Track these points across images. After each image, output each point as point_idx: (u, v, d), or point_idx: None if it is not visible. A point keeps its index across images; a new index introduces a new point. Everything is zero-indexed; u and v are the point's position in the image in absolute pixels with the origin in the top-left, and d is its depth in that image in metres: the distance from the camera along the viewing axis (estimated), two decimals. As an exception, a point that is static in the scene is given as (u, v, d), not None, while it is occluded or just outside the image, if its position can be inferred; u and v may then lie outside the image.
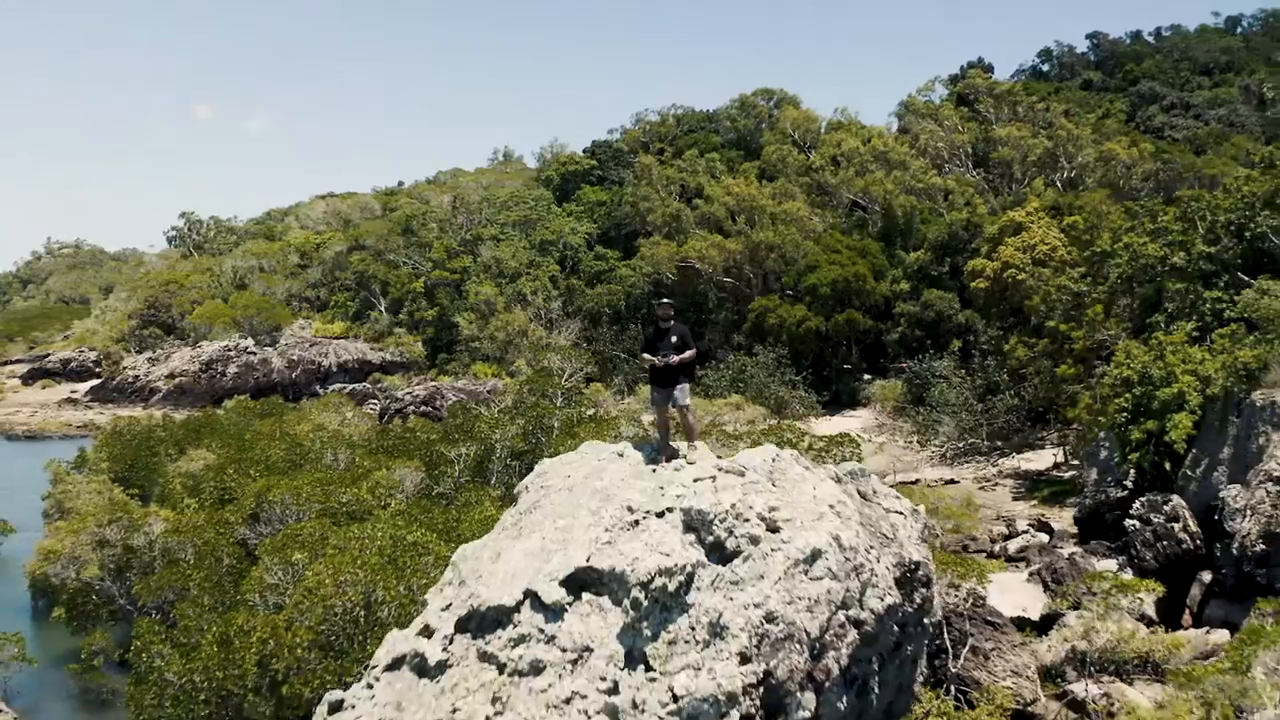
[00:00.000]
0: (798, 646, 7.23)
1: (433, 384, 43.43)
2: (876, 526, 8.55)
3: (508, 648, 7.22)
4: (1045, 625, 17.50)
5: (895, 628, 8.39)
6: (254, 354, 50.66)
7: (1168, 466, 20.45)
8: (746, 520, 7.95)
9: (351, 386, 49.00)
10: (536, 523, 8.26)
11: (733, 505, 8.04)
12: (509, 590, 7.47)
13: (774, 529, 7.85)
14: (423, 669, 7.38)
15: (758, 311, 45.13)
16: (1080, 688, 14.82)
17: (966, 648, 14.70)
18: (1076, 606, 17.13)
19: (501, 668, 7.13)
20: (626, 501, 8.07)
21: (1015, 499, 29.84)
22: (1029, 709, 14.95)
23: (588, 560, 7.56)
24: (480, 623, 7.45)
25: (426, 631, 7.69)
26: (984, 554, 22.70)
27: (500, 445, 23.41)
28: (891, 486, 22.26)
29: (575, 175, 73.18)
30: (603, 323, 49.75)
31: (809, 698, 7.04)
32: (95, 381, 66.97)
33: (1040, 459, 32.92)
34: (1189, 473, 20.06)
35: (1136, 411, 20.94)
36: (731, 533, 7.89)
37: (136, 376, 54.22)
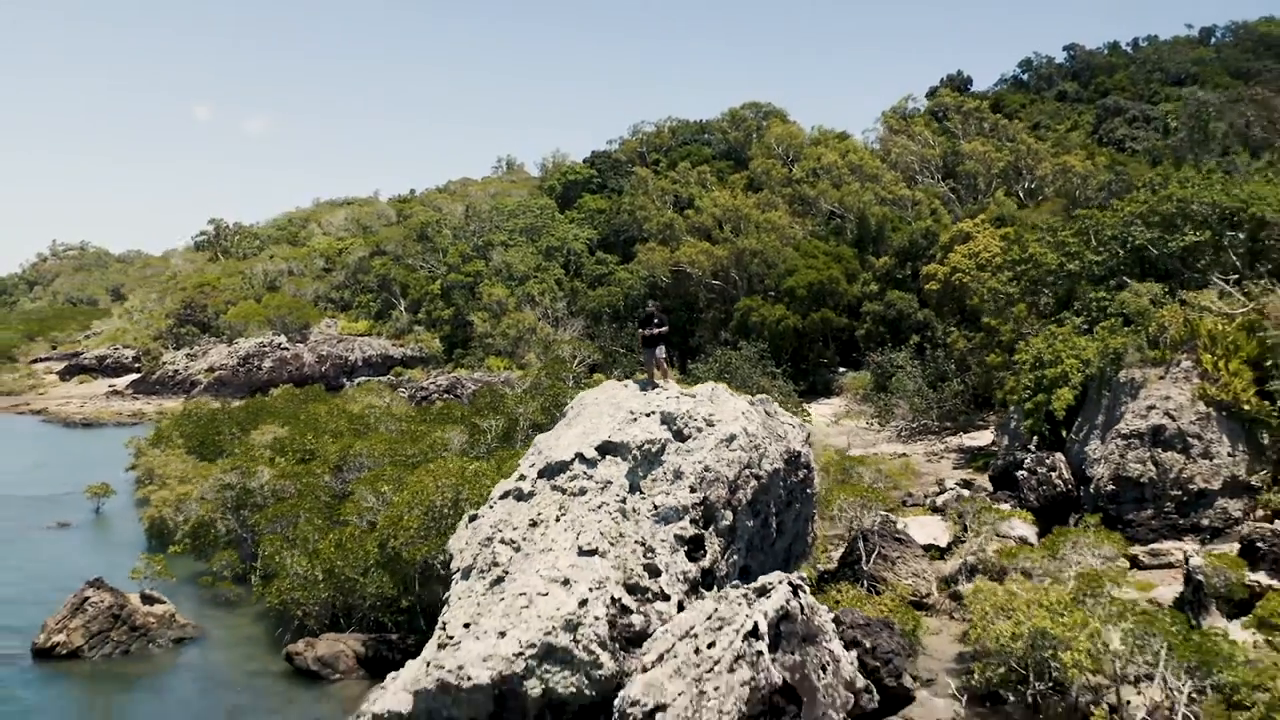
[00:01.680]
0: (721, 485, 12.43)
1: (453, 375, 48.61)
2: (772, 429, 13.88)
3: (566, 482, 12.61)
4: (950, 549, 22.87)
5: (783, 490, 13.73)
6: (287, 349, 55.95)
7: (1061, 432, 25.79)
8: (694, 418, 13.31)
9: (376, 379, 54.38)
10: (580, 420, 13.76)
11: (687, 410, 13.45)
12: (566, 453, 12.87)
13: (710, 424, 13.08)
14: (519, 495, 12.57)
15: (742, 311, 50.40)
16: (964, 587, 20.19)
17: (875, 554, 19.99)
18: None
19: (563, 492, 12.40)
20: (630, 408, 13.64)
21: (955, 469, 35.13)
22: (924, 600, 20.28)
23: (609, 437, 13.10)
24: (550, 470, 12.86)
25: (520, 478, 12.89)
26: (918, 506, 28.02)
27: (523, 418, 28.72)
28: (848, 458, 27.62)
29: (576, 184, 78.46)
30: (604, 321, 55.00)
31: (728, 514, 12.35)
32: (132, 376, 72.36)
33: (982, 438, 38.14)
34: (1073, 436, 25.34)
35: (1035, 389, 26.28)
36: (686, 424, 13.29)
37: (176, 371, 59.45)
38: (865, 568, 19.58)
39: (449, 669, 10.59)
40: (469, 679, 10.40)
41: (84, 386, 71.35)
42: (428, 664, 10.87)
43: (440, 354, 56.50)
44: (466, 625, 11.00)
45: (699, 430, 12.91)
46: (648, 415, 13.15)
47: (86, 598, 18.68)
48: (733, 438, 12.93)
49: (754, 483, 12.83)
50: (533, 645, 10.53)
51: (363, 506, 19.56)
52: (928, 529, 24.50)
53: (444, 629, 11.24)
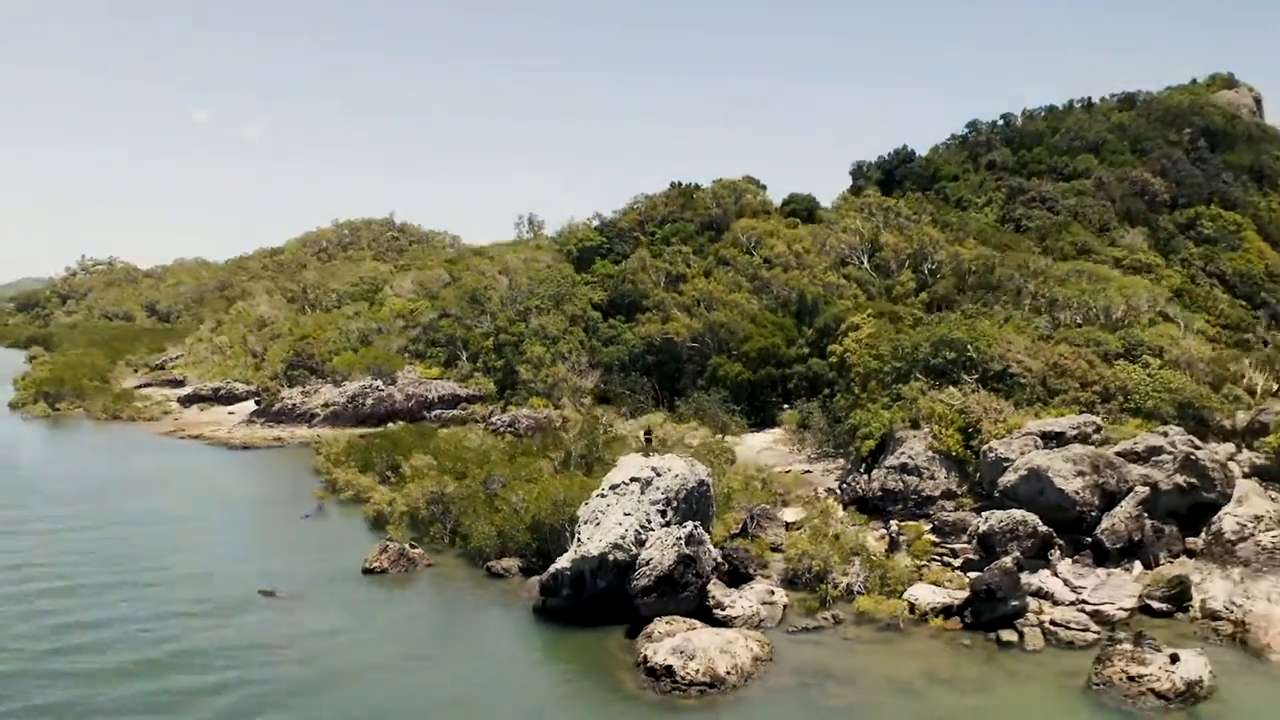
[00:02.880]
0: (671, 501, 34.24)
1: (513, 414, 70.76)
2: (693, 471, 35.90)
3: (618, 491, 34.12)
4: (799, 524, 45.18)
5: (696, 494, 35.73)
6: (382, 390, 78.27)
7: (872, 460, 48.03)
8: (658, 473, 34.74)
9: (450, 413, 76.76)
10: (620, 469, 35.45)
11: (658, 464, 35.13)
12: (616, 480, 34.41)
13: (669, 469, 34.97)
14: (601, 494, 34.11)
15: (712, 366, 72.63)
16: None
17: (756, 524, 42.18)
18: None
19: (617, 494, 33.88)
20: (640, 464, 35.26)
21: (835, 481, 57.54)
22: (778, 546, 42.42)
23: (632, 475, 34.59)
24: (612, 487, 34.34)
25: (600, 491, 34.83)
26: (801, 502, 50.22)
27: (574, 451, 50.96)
28: (753, 473, 50.10)
29: (589, 250, 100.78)
30: (614, 370, 77.36)
31: (675, 502, 34.29)
32: (241, 404, 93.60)
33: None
34: (879, 465, 47.57)
35: (863, 437, 48.61)
36: (658, 470, 34.88)
37: (294, 404, 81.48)
38: (750, 531, 41.85)
39: (581, 552, 32.73)
40: (589, 553, 32.46)
41: (207, 414, 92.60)
42: (573, 552, 33.07)
43: (494, 394, 78.90)
44: (585, 539, 33.17)
45: (663, 473, 35.04)
46: (645, 468, 35.25)
47: (386, 545, 40.95)
48: (676, 474, 35.01)
49: (684, 491, 35.09)
50: (609, 544, 32.56)
51: (512, 499, 41.76)
52: (793, 513, 46.80)
53: (577, 541, 33.37)
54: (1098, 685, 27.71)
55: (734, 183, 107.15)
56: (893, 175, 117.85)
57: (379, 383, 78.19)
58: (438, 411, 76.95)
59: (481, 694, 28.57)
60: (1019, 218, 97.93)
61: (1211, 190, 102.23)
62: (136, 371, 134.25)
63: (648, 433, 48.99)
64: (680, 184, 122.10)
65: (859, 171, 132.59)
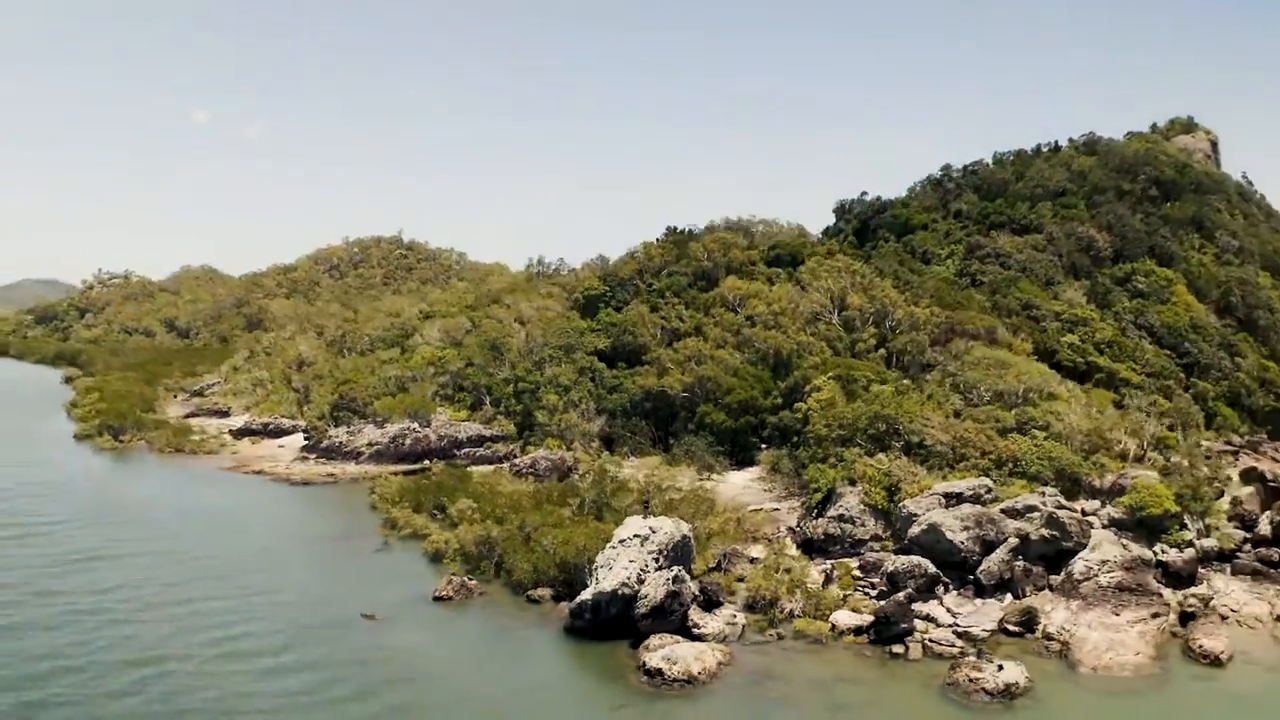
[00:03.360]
0: (663, 551, 47.87)
1: (533, 456, 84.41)
2: (678, 527, 49.58)
3: (623, 543, 47.79)
4: (760, 560, 58.95)
5: (682, 546, 49.32)
6: (419, 431, 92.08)
7: (820, 510, 61.76)
8: (653, 531, 48.49)
9: (478, 451, 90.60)
10: (626, 526, 49.18)
11: (653, 524, 48.84)
12: (623, 534, 48.18)
13: (661, 527, 48.59)
14: (612, 545, 47.82)
15: (701, 414, 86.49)
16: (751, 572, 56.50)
17: (727, 561, 55.81)
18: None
19: (624, 544, 47.52)
20: (640, 524, 48.98)
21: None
22: (744, 579, 56.05)
23: (634, 532, 48.27)
24: (620, 540, 47.94)
25: (612, 543, 48.51)
26: (765, 539, 63.98)
27: (588, 497, 64.71)
28: (742, 512, 64.21)
29: (594, 298, 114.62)
30: (618, 416, 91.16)
31: (666, 551, 47.91)
32: (287, 438, 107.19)
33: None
34: (824, 514, 61.28)
35: (814, 491, 62.36)
36: (653, 528, 48.51)
37: (341, 442, 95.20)
38: (723, 566, 55.60)
39: (599, 589, 46.46)
40: (605, 589, 46.15)
41: (259, 447, 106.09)
42: (593, 588, 46.80)
43: (514, 434, 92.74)
44: (601, 579, 46.87)
45: (657, 530, 48.75)
46: (644, 527, 48.92)
47: (450, 578, 54.75)
48: (665, 532, 48.72)
49: (669, 547, 48.81)
50: (619, 583, 46.22)
51: (544, 543, 55.53)
52: (758, 550, 60.58)
53: (595, 580, 47.05)
54: (948, 685, 41.60)
55: (723, 236, 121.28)
56: (868, 225, 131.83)
57: (416, 425, 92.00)
58: (467, 450, 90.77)
59: (530, 688, 42.45)
60: (975, 272, 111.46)
61: (1151, 245, 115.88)
62: (176, 397, 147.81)
63: (646, 503, 62.06)
64: (676, 229, 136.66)
65: (841, 210, 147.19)
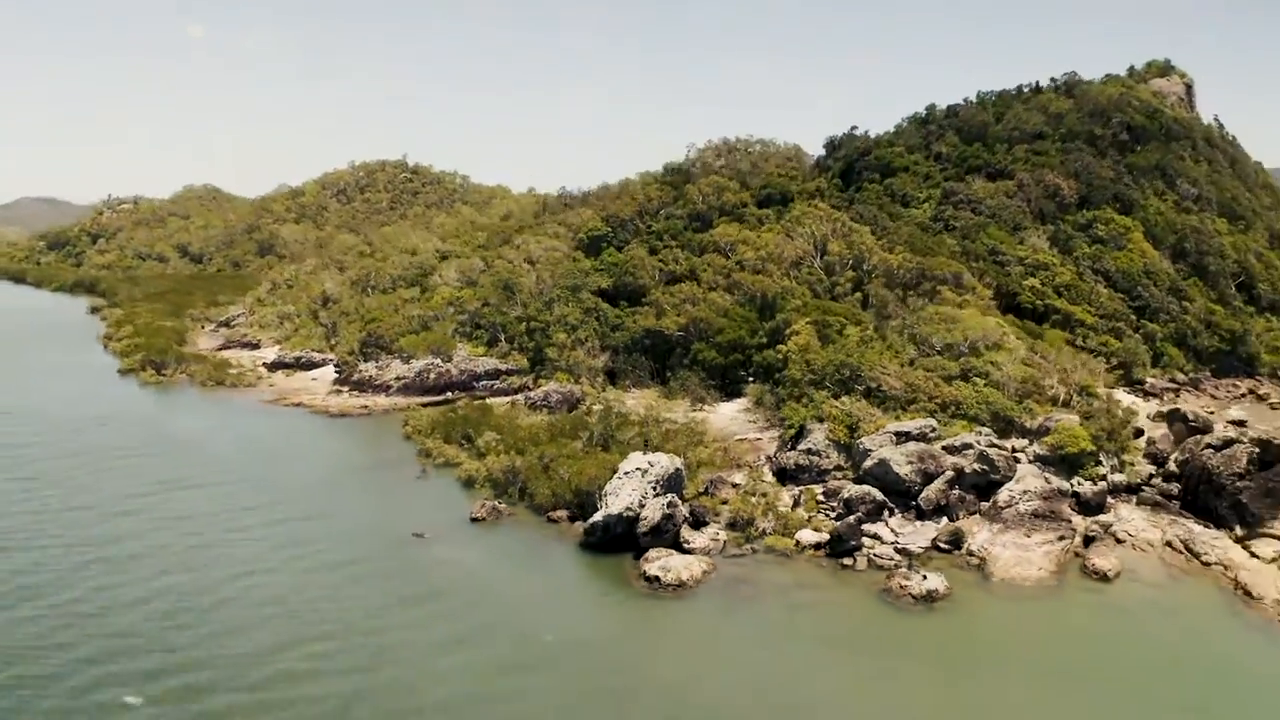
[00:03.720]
0: (660, 481, 58.79)
1: (545, 389, 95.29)
2: (672, 461, 60.55)
3: (627, 475, 58.68)
4: (742, 485, 70.17)
5: (675, 476, 60.30)
6: (441, 366, 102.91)
7: (794, 444, 72.81)
8: (651, 465, 59.37)
9: (495, 383, 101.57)
10: (628, 462, 60.13)
11: (652, 458, 59.80)
12: (628, 468, 59.18)
13: (653, 465, 59.48)
14: (617, 475, 58.85)
15: (694, 351, 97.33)
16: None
17: (713, 486, 66.93)
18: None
19: (627, 475, 58.48)
20: (641, 459, 59.99)
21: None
22: (727, 502, 67.30)
23: (635, 466, 59.26)
24: (625, 472, 58.88)
25: (620, 472, 59.55)
26: (748, 466, 75.08)
27: (596, 431, 75.69)
28: (729, 442, 75.56)
29: (597, 238, 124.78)
30: (620, 352, 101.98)
31: (664, 480, 58.89)
32: (323, 370, 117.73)
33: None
34: (796, 447, 72.29)
35: (788, 427, 73.33)
36: (653, 462, 59.42)
37: (371, 376, 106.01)
38: (709, 490, 66.74)
39: (607, 512, 57.56)
40: (612, 512, 57.17)
41: (293, 380, 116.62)
42: (603, 511, 57.89)
43: (527, 368, 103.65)
44: (610, 503, 57.95)
45: (655, 464, 59.66)
46: (644, 462, 59.90)
47: (484, 503, 65.92)
48: (661, 465, 59.63)
49: (666, 475, 59.80)
50: (624, 507, 57.20)
51: (560, 472, 66.67)
52: (740, 477, 71.71)
53: (605, 504, 58.10)
54: (884, 591, 52.99)
55: (717, 179, 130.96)
56: (853, 166, 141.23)
57: (438, 360, 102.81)
58: (485, 383, 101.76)
59: (553, 590, 53.90)
60: (948, 218, 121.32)
61: (1114, 192, 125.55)
62: (203, 328, 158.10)
63: (646, 441, 72.58)
64: (676, 167, 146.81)
65: (831, 146, 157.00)
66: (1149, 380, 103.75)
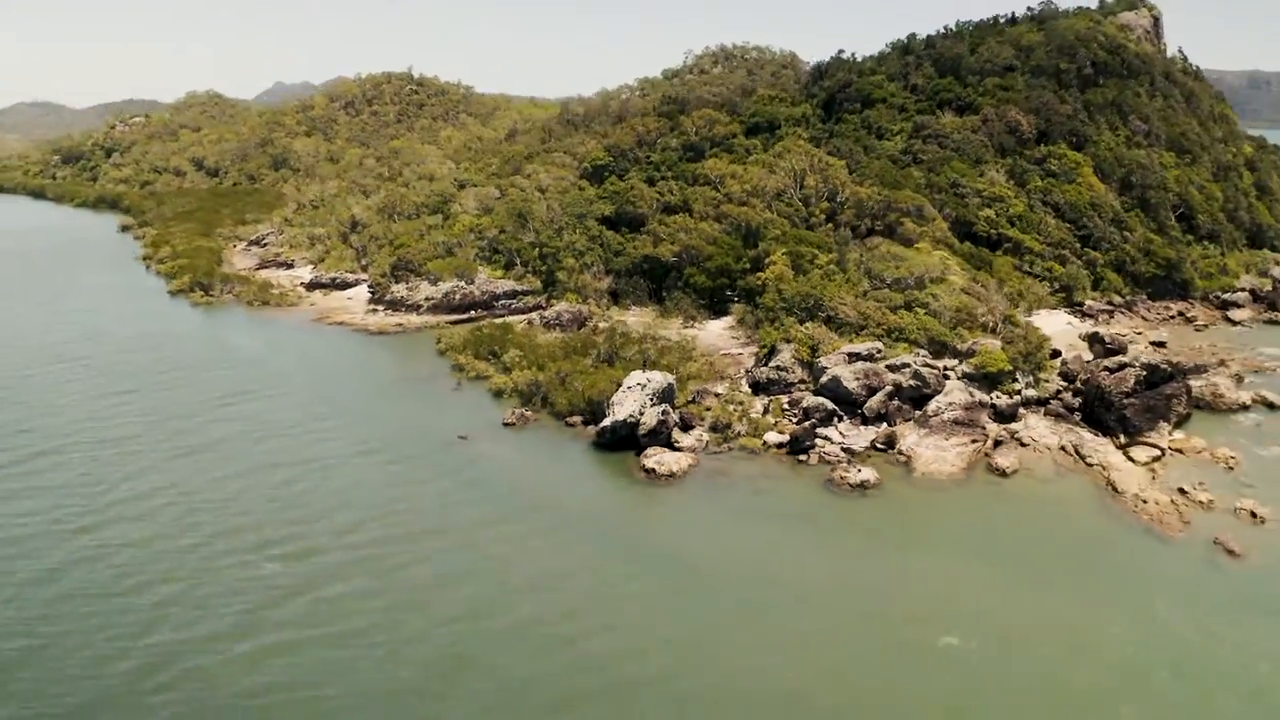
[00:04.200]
0: (656, 394, 74.19)
1: (557, 309, 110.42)
2: (665, 378, 75.97)
3: (629, 389, 74.05)
4: (723, 395, 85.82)
5: (669, 390, 75.77)
6: (465, 288, 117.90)
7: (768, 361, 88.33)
8: (649, 380, 74.70)
9: (512, 303, 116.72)
10: (630, 378, 75.42)
11: (647, 378, 75.14)
12: (630, 382, 74.49)
13: (650, 381, 74.81)
14: (621, 388, 74.30)
15: (687, 275, 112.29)
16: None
17: (701, 396, 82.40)
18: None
19: (629, 389, 73.92)
20: (641, 374, 75.36)
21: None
22: (710, 409, 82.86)
23: (637, 381, 74.66)
24: (627, 387, 74.20)
25: (624, 386, 74.99)
26: (729, 378, 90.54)
27: (603, 349, 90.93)
28: (715, 355, 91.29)
29: (600, 167, 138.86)
30: (622, 275, 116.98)
31: (660, 393, 74.33)
32: (355, 290, 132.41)
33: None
34: (768, 364, 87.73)
35: (762, 346, 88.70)
36: (646, 382, 74.80)
37: (402, 297, 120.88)
38: (696, 399, 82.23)
39: (614, 417, 73.11)
40: (618, 418, 72.59)
41: (330, 299, 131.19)
42: (610, 417, 73.44)
43: (540, 289, 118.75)
44: (616, 411, 73.44)
45: (651, 380, 74.99)
46: (644, 377, 75.26)
47: (513, 411, 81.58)
48: (657, 381, 74.91)
49: (661, 389, 75.25)
50: (627, 414, 72.66)
51: (575, 385, 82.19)
52: (722, 388, 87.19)
53: (612, 411, 73.55)
54: (828, 481, 68.88)
55: (709, 113, 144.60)
56: (835, 98, 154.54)
57: (462, 282, 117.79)
58: (503, 302, 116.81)
59: (572, 478, 69.86)
60: (917, 151, 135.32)
61: (1070, 128, 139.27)
62: (235, 247, 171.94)
63: (645, 361, 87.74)
64: (673, 72, 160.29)
65: (817, 73, 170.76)
66: (1088, 302, 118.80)
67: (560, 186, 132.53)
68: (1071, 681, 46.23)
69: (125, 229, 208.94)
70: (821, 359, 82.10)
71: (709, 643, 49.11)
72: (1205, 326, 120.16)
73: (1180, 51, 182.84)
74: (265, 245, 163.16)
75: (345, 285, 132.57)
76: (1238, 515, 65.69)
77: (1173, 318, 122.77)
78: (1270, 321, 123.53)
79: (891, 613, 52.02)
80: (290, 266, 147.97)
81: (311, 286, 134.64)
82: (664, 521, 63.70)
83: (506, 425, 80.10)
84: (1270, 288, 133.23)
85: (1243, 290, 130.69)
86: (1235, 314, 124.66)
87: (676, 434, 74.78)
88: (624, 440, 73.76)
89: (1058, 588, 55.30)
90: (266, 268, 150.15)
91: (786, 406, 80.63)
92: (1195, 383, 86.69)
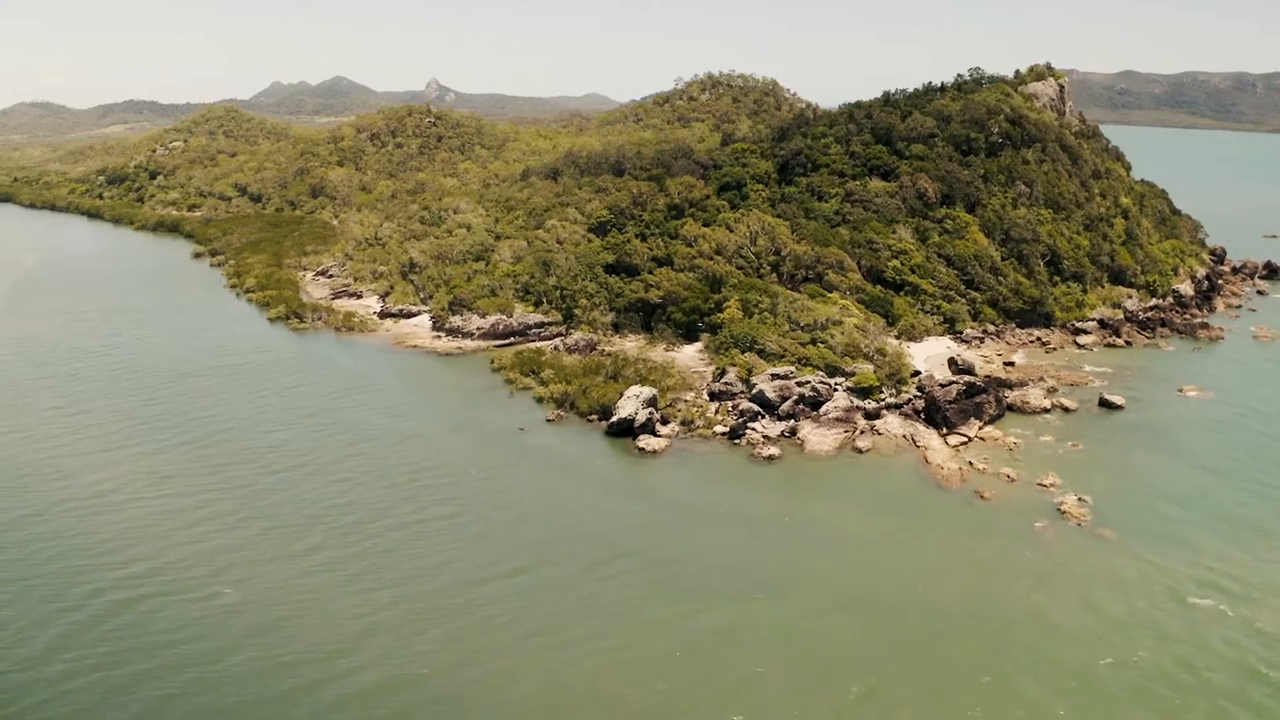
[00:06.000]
0: (645, 401, 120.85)
1: (576, 338, 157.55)
2: (652, 390, 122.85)
3: (628, 398, 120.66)
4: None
5: (654, 399, 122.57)
6: (507, 320, 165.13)
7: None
8: (641, 392, 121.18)
9: (541, 331, 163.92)
10: (630, 389, 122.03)
11: (640, 390, 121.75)
12: (628, 394, 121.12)
13: (642, 392, 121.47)
14: (626, 399, 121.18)
15: (669, 312, 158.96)
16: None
17: (673, 401, 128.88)
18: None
19: (628, 398, 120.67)
20: (634, 392, 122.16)
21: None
22: (680, 410, 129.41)
23: (633, 393, 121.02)
24: (627, 396, 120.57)
25: (625, 396, 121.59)
26: (695, 390, 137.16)
27: (610, 369, 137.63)
28: (689, 372, 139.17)
29: (604, 223, 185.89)
30: (621, 311, 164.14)
31: (646, 407, 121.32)
32: (418, 319, 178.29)
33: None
34: (721, 381, 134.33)
35: (717, 368, 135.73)
36: (640, 393, 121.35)
37: (458, 326, 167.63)
38: (672, 404, 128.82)
39: (618, 416, 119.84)
40: (622, 416, 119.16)
41: (400, 327, 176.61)
42: (616, 416, 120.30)
43: (560, 321, 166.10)
44: (620, 411, 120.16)
45: (642, 392, 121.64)
46: (639, 390, 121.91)
47: (552, 411, 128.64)
48: (648, 392, 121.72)
49: (649, 398, 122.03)
50: (628, 414, 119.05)
51: (593, 394, 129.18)
52: (691, 395, 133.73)
53: (616, 412, 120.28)
54: (751, 455, 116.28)
55: (687, 180, 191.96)
56: (789, 164, 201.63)
57: (504, 315, 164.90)
58: (534, 331, 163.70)
59: (590, 453, 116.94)
60: (846, 213, 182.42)
61: (966, 194, 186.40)
62: (305, 277, 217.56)
63: (641, 379, 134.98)
64: (658, 172, 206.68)
65: (780, 133, 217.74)
66: (967, 331, 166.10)
67: (574, 239, 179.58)
68: (881, 557, 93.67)
69: (198, 256, 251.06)
70: (754, 378, 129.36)
71: (673, 539, 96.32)
72: (1055, 349, 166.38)
73: (1080, 116, 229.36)
74: (332, 276, 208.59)
75: (409, 315, 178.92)
76: (998, 477, 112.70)
77: (1032, 342, 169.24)
78: (1109, 345, 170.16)
79: (783, 524, 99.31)
80: (359, 297, 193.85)
81: (383, 315, 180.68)
82: (649, 478, 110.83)
83: (549, 421, 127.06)
84: (1120, 318, 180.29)
85: (1093, 320, 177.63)
86: (1083, 339, 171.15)
87: (658, 426, 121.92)
88: (625, 430, 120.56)
89: (884, 515, 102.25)
90: (340, 297, 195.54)
91: (730, 409, 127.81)
92: (1013, 393, 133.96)
